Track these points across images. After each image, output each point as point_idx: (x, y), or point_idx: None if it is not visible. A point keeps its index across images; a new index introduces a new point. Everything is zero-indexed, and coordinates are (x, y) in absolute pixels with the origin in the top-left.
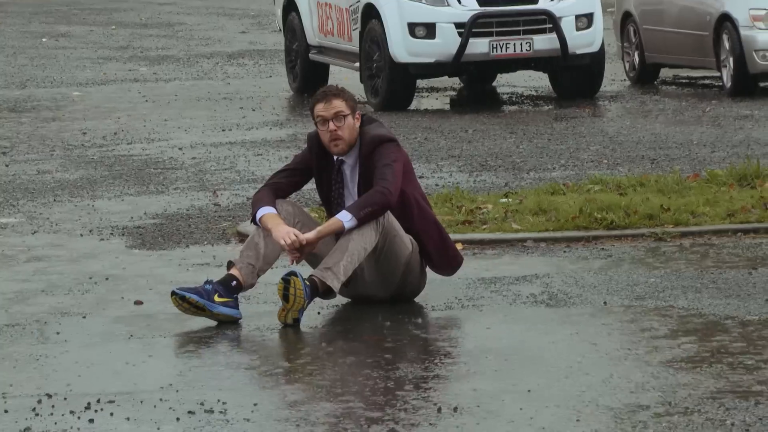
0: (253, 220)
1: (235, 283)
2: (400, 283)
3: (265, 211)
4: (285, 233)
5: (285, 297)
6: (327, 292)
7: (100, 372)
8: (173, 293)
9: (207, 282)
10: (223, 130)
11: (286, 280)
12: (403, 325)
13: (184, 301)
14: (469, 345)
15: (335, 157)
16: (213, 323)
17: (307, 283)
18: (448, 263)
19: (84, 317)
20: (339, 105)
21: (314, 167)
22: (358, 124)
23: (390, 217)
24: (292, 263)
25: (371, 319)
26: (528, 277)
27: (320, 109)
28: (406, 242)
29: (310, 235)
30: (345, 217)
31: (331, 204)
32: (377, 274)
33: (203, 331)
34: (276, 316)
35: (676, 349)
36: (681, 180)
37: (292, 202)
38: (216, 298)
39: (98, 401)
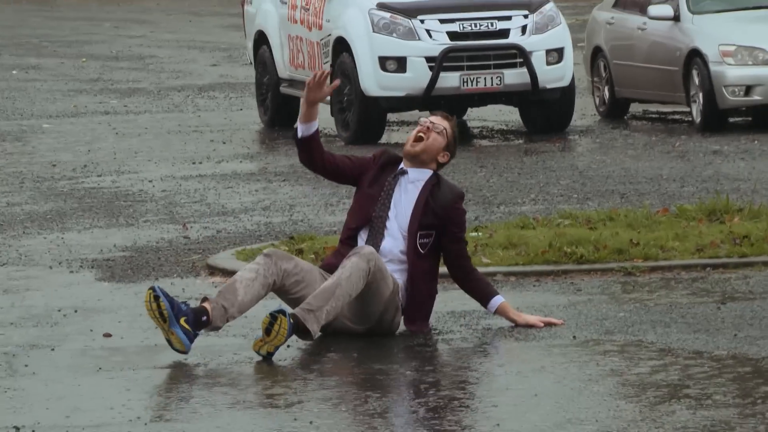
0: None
1: (205, 318)
2: (377, 319)
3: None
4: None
5: (267, 331)
6: (305, 332)
7: (69, 405)
8: (152, 288)
9: (184, 303)
10: (193, 163)
11: (274, 316)
12: (373, 359)
13: (156, 301)
14: (437, 378)
15: (399, 167)
16: (183, 357)
17: (292, 321)
18: (424, 317)
19: (53, 350)
20: (444, 127)
21: (372, 172)
22: (441, 159)
23: (379, 261)
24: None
25: (346, 353)
26: None
27: (432, 117)
28: (389, 282)
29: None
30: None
31: (368, 212)
32: (357, 309)
33: (173, 365)
34: (251, 347)
35: (644, 384)
36: (650, 215)
37: (312, 265)
38: (181, 321)
39: None
